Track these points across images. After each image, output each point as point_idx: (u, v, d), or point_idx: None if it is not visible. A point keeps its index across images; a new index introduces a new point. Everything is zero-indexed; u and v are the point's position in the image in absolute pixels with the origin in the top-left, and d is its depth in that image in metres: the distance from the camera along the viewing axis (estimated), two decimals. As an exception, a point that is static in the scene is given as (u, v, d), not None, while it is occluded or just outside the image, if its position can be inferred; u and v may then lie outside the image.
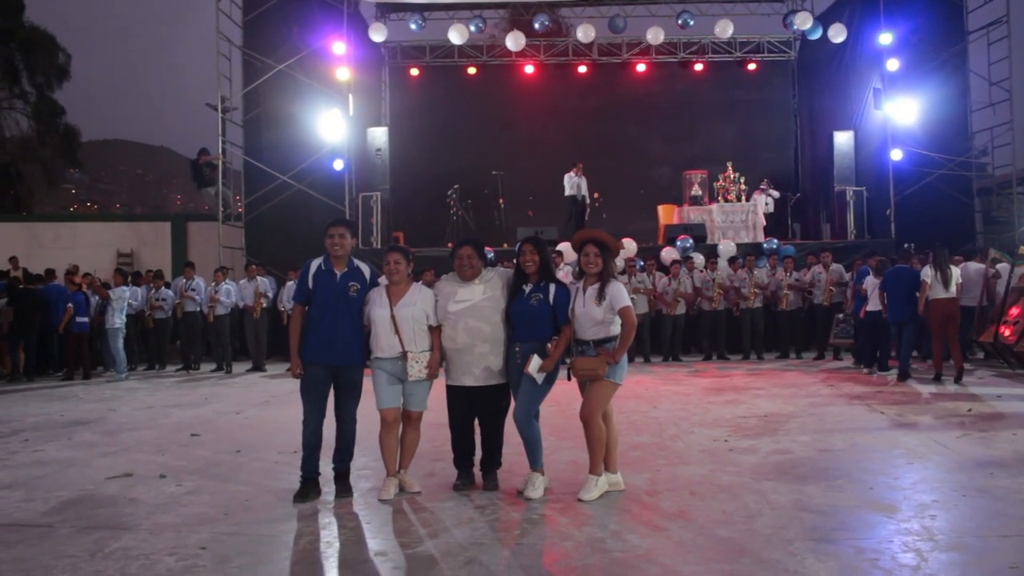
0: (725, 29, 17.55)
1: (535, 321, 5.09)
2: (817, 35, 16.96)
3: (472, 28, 17.63)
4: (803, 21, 17.16)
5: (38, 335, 13.01)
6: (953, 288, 9.88)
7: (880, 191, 15.59)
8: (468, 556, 4.01)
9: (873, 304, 10.79)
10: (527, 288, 5.17)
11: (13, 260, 15.68)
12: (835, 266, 13.14)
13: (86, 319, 13.02)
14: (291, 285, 13.40)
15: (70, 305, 12.81)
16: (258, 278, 13.49)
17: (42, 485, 5.61)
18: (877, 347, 10.99)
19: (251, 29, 16.22)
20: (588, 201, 16.59)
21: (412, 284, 5.34)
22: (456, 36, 17.14)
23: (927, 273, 9.96)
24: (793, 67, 20.13)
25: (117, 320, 12.37)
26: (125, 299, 12.59)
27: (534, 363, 4.94)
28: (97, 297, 13.10)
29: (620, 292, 4.98)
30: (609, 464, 5.13)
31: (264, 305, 13.41)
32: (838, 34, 16.23)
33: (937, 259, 9.92)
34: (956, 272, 10.06)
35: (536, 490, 5.02)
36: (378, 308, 5.21)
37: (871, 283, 10.90)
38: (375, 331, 5.23)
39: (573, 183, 16.22)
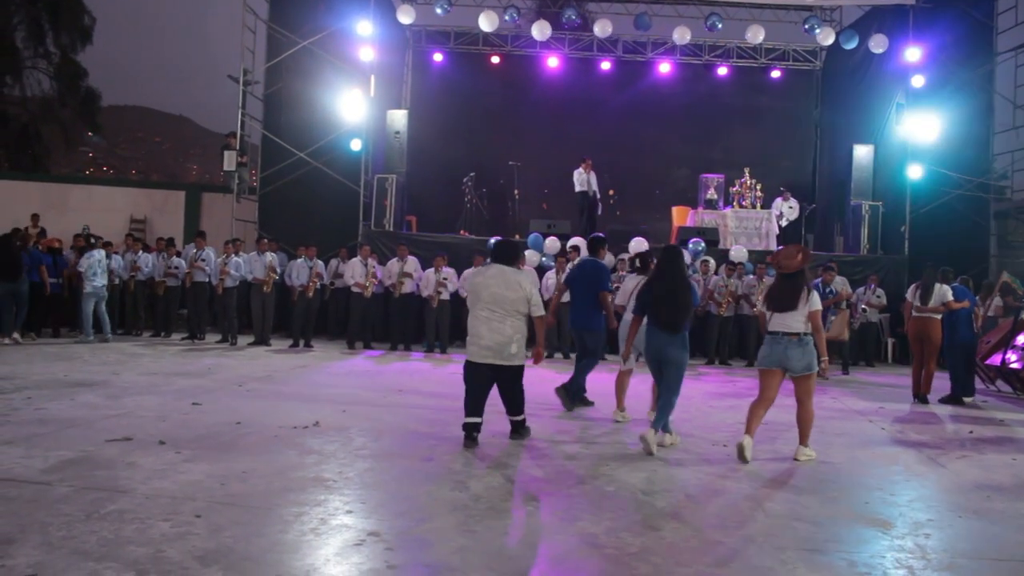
0: (756, 35, 17.39)
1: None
2: (853, 44, 16.73)
3: (506, 17, 17.52)
4: (826, 36, 16.97)
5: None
6: (929, 306, 9.67)
7: (896, 207, 15.51)
8: (460, 543, 4.02)
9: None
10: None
11: (34, 217, 15.81)
12: (839, 278, 13.03)
13: (56, 280, 13.25)
14: (299, 262, 13.43)
15: (43, 266, 12.97)
16: (268, 253, 13.46)
17: (42, 443, 5.65)
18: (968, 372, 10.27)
19: (278, 4, 16.25)
20: (599, 196, 16.52)
21: None
22: (486, 23, 17.02)
23: (910, 291, 10.00)
24: (817, 77, 19.95)
25: (87, 285, 12.53)
26: (93, 263, 12.61)
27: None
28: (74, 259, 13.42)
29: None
30: (802, 438, 6.34)
31: (274, 279, 13.36)
32: (878, 45, 15.91)
33: (923, 275, 9.89)
34: (944, 290, 9.71)
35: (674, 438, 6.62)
36: None
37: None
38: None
39: (582, 179, 16.12)
